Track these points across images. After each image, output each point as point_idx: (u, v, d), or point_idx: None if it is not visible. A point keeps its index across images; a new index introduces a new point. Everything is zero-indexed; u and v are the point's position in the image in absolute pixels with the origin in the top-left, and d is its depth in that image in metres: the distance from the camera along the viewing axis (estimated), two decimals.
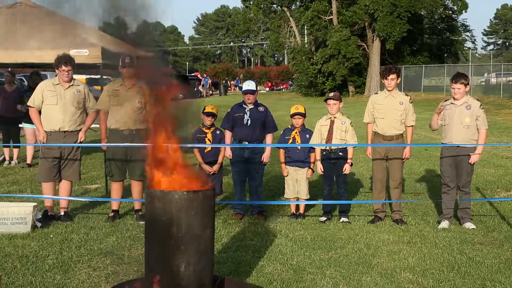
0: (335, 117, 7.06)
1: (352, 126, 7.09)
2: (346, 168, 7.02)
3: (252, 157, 7.21)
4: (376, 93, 7.36)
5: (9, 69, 13.95)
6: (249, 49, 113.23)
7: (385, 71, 7.01)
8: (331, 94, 7.19)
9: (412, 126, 7.03)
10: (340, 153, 7.03)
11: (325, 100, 7.16)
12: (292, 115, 7.19)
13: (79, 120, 6.91)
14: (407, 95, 7.17)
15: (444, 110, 6.83)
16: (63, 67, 6.73)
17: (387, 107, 6.94)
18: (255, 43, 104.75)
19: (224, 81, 60.02)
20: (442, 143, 6.94)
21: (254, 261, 5.34)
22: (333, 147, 7.01)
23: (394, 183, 7.04)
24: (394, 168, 7.01)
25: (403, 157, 6.99)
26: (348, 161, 7.04)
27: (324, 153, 7.07)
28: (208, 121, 7.25)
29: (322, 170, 7.06)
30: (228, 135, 7.36)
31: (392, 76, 6.90)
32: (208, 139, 7.23)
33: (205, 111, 7.24)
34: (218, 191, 7.29)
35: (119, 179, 7.05)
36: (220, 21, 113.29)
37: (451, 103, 6.80)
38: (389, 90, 6.98)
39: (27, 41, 9.13)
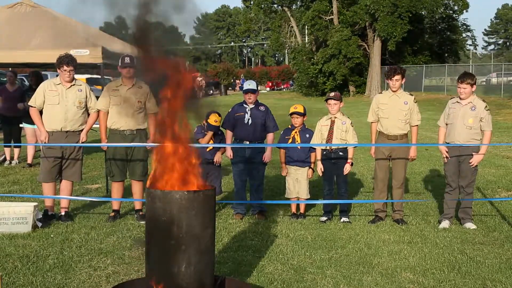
0: (335, 117, 7.06)
1: (352, 126, 7.09)
2: (346, 168, 7.02)
3: (253, 156, 7.21)
4: (381, 93, 7.36)
5: (10, 69, 13.97)
6: (249, 49, 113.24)
7: (390, 71, 7.00)
8: (332, 94, 7.20)
9: (417, 125, 7.03)
10: (341, 153, 7.03)
11: (326, 100, 7.16)
12: (290, 114, 7.20)
13: (80, 120, 6.91)
14: (412, 95, 7.15)
15: (449, 108, 6.83)
16: (65, 67, 6.72)
17: (392, 107, 6.93)
18: (255, 43, 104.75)
19: (232, 80, 60.79)
20: (445, 142, 6.92)
21: (255, 261, 5.34)
22: (333, 147, 7.01)
23: (397, 183, 7.03)
24: (398, 168, 7.00)
25: (409, 157, 6.98)
26: (349, 161, 7.04)
27: (325, 153, 7.07)
28: None
29: (322, 170, 7.06)
30: (229, 134, 7.37)
31: (397, 77, 6.89)
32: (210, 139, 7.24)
33: (208, 121, 7.17)
34: (218, 191, 7.30)
35: (119, 179, 7.04)
36: (220, 21, 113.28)
37: (457, 101, 6.78)
38: (393, 91, 6.98)
39: (28, 41, 9.15)
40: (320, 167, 7.05)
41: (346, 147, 7.04)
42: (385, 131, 6.97)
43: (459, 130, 6.69)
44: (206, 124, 7.19)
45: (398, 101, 6.94)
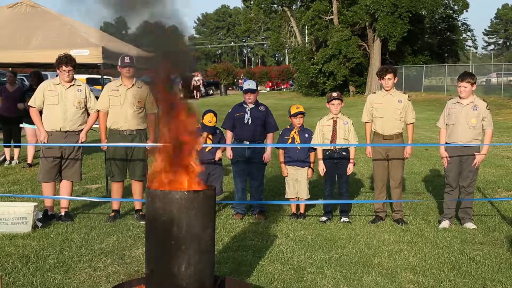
0: (337, 117, 7.06)
1: (353, 126, 7.09)
2: (350, 168, 7.02)
3: (253, 156, 7.21)
4: (374, 93, 7.37)
5: (10, 69, 13.97)
6: (249, 49, 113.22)
7: (382, 71, 7.02)
8: (335, 94, 7.16)
9: (412, 123, 7.04)
10: (344, 153, 7.03)
11: (329, 101, 7.11)
12: (295, 115, 7.14)
13: (80, 120, 6.91)
14: (405, 93, 7.18)
15: (449, 109, 6.82)
16: (64, 67, 6.72)
17: (386, 106, 6.94)
18: (255, 43, 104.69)
19: (235, 80, 61.34)
20: (446, 143, 6.91)
21: (255, 261, 5.34)
22: (337, 147, 7.00)
23: (394, 182, 7.03)
24: (395, 167, 7.01)
25: (405, 156, 6.99)
26: (351, 161, 7.04)
27: (328, 153, 7.06)
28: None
29: (324, 170, 7.04)
30: (229, 135, 7.37)
31: (389, 76, 6.90)
32: (209, 138, 7.24)
33: (203, 121, 7.15)
34: (218, 191, 7.29)
35: (119, 179, 7.04)
36: (220, 21, 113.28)
37: (457, 102, 6.77)
38: (386, 90, 6.98)
39: (28, 41, 9.15)
40: (322, 167, 7.04)
41: (348, 147, 7.04)
42: (380, 131, 6.98)
43: (462, 130, 6.68)
44: (201, 124, 7.18)
45: (392, 100, 6.95)
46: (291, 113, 7.19)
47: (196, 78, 46.68)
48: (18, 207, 6.36)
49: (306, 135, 7.19)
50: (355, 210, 7.67)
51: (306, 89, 45.53)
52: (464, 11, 44.80)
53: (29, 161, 10.90)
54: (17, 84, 12.09)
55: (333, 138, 7.01)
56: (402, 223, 6.85)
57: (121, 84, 6.93)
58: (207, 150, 7.18)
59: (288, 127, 7.29)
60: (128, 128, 6.88)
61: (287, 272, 5.07)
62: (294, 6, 48.76)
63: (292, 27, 47.42)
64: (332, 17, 41.76)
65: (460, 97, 6.74)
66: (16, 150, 11.49)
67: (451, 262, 5.41)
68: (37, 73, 11.13)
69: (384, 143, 6.96)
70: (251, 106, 7.26)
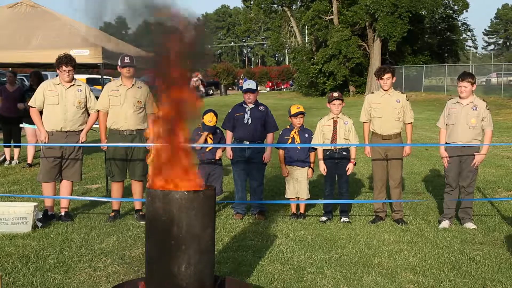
0: (337, 117, 7.06)
1: (353, 126, 7.09)
2: (350, 168, 7.02)
3: (253, 156, 7.21)
4: (372, 93, 7.37)
5: (10, 69, 13.97)
6: (249, 49, 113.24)
7: (380, 71, 7.03)
8: (336, 94, 7.16)
9: (411, 123, 7.04)
10: (344, 153, 7.03)
11: (330, 101, 7.11)
12: (295, 115, 7.14)
13: (80, 120, 6.91)
14: (403, 93, 7.19)
15: (449, 109, 6.82)
16: (64, 67, 6.72)
17: (385, 106, 6.94)
18: (255, 43, 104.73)
19: (235, 80, 62.55)
20: (446, 143, 6.92)
21: (255, 261, 5.34)
22: (337, 147, 7.00)
23: (394, 182, 7.03)
24: (394, 167, 7.01)
25: (404, 155, 6.99)
26: (352, 160, 7.04)
27: (328, 153, 7.06)
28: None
29: (326, 170, 7.04)
30: (229, 135, 7.37)
31: (387, 75, 6.91)
32: (209, 138, 7.24)
33: (203, 121, 7.16)
34: (218, 191, 7.29)
35: (119, 179, 7.04)
36: (220, 21, 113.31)
37: (457, 102, 6.77)
38: (385, 90, 6.99)
39: (28, 41, 9.15)
40: (323, 167, 7.04)
41: (349, 147, 7.04)
42: (379, 131, 6.98)
43: (462, 130, 6.67)
44: (201, 124, 7.18)
45: (391, 99, 6.96)
46: (291, 113, 7.18)
47: (194, 79, 46.42)
48: (18, 207, 6.36)
49: (306, 135, 7.19)
50: (355, 210, 7.67)
51: (306, 89, 45.55)
52: (464, 11, 44.91)
53: (29, 161, 10.90)
54: (17, 84, 12.09)
55: (334, 138, 7.01)
56: (402, 223, 6.85)
57: (121, 84, 6.93)
58: (207, 150, 7.18)
59: (288, 127, 7.29)
60: (128, 128, 6.88)
61: (287, 272, 5.07)
62: (294, 6, 48.78)
63: (292, 27, 47.44)
64: (332, 17, 41.77)
65: (460, 97, 6.74)
66: (16, 150, 11.49)
67: (451, 262, 5.41)
68: (37, 73, 11.13)
69: (382, 143, 6.96)
70: (251, 106, 7.26)
